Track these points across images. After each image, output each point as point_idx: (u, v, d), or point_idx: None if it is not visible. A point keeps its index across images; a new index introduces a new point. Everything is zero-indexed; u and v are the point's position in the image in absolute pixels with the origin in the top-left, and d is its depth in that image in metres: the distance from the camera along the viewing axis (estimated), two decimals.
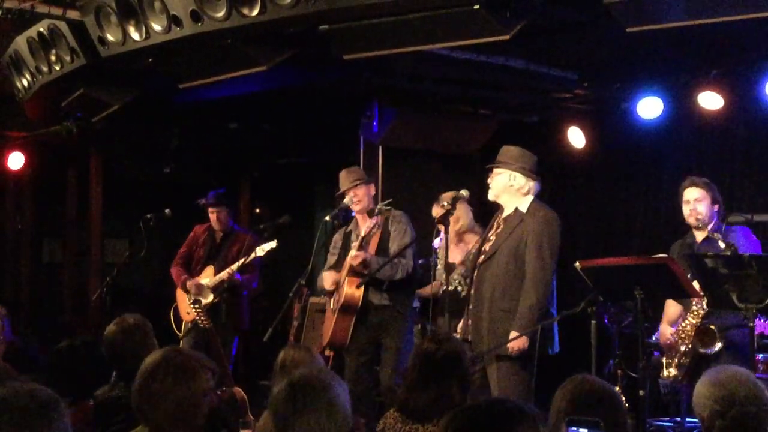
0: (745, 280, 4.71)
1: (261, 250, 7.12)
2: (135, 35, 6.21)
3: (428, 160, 8.98)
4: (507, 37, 5.33)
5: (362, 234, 6.18)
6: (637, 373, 5.21)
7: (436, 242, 7.01)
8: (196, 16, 5.81)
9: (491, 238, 5.52)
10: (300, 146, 9.85)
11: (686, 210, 5.68)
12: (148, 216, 7.52)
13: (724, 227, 5.55)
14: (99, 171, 9.68)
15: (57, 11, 6.36)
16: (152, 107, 8.17)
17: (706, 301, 5.38)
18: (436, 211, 6.61)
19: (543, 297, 5.27)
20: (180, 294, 7.56)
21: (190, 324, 7.39)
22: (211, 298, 7.33)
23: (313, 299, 7.69)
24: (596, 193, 9.02)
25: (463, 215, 6.66)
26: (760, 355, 5.71)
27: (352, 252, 6.10)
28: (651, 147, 8.29)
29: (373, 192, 6.47)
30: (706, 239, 5.58)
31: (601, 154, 8.59)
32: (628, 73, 7.56)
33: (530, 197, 5.49)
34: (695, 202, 5.63)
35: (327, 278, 6.29)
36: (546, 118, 8.77)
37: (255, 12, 5.58)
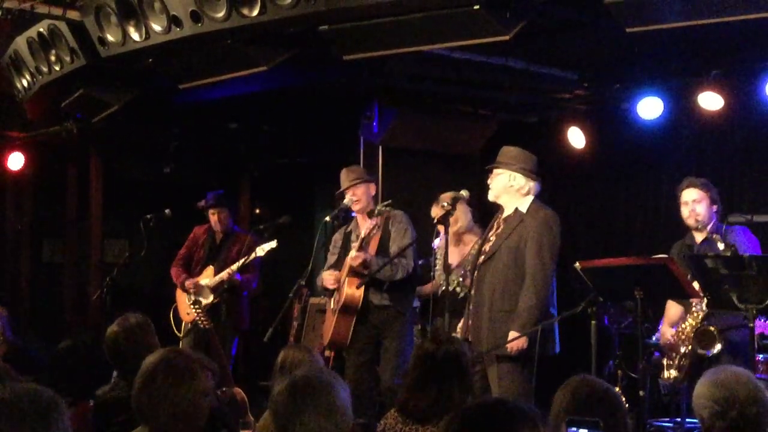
0: (745, 280, 4.71)
1: (261, 250, 7.12)
2: (135, 35, 6.21)
3: (428, 161, 8.97)
4: (507, 37, 5.33)
5: (362, 235, 6.17)
6: (637, 374, 5.21)
7: (436, 242, 7.01)
8: (196, 17, 5.81)
9: (491, 238, 5.52)
10: (300, 146, 9.85)
11: (685, 211, 5.68)
12: (148, 216, 7.52)
13: (724, 227, 5.55)
14: (99, 171, 9.68)
15: (57, 11, 6.37)
16: (152, 107, 8.18)
17: (705, 302, 5.38)
18: (435, 212, 6.61)
19: (543, 297, 5.27)
20: (180, 294, 7.56)
21: (189, 324, 7.40)
22: (211, 298, 7.34)
23: (313, 299, 7.70)
24: (596, 193, 9.02)
25: (462, 216, 6.66)
26: (761, 356, 5.71)
27: (352, 253, 6.09)
28: (651, 147, 8.29)
29: (373, 191, 6.44)
30: (705, 240, 5.58)
31: (601, 155, 8.59)
32: (628, 73, 7.56)
33: (530, 197, 5.49)
34: (694, 203, 5.63)
35: (328, 277, 6.28)
36: (546, 118, 8.77)
37: (255, 12, 5.58)
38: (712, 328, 5.33)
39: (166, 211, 7.57)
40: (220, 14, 5.70)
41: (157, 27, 6.04)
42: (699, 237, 5.65)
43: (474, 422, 2.21)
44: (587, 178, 8.98)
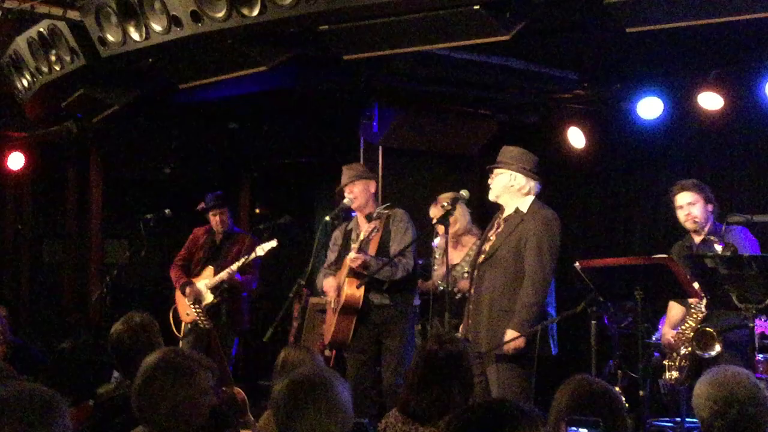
0: (745, 280, 4.71)
1: (261, 250, 7.12)
2: (135, 35, 6.21)
3: (428, 161, 8.98)
4: (507, 37, 5.33)
5: (361, 237, 6.16)
6: (637, 374, 5.21)
7: (436, 241, 7.01)
8: (196, 17, 5.81)
9: (491, 238, 5.51)
10: (300, 146, 9.85)
11: (681, 215, 5.68)
12: (148, 216, 7.52)
13: (724, 227, 5.55)
14: (99, 171, 9.68)
15: (57, 11, 6.36)
16: (152, 107, 8.17)
17: (704, 302, 5.38)
18: (434, 212, 6.60)
19: (542, 297, 5.27)
20: (179, 296, 7.55)
21: (189, 325, 7.40)
22: (210, 298, 7.34)
23: (313, 299, 7.69)
24: (596, 193, 9.02)
25: (460, 217, 6.65)
26: (760, 356, 5.71)
27: (351, 254, 6.08)
28: (651, 147, 8.29)
29: (372, 188, 6.38)
30: (704, 242, 5.58)
31: (601, 155, 8.59)
32: (628, 74, 7.57)
33: (531, 197, 5.49)
34: (689, 206, 5.63)
35: (328, 287, 6.27)
36: (546, 118, 8.77)
37: (255, 12, 5.58)
38: (710, 329, 5.33)
39: (166, 211, 7.57)
40: (220, 14, 5.70)
41: (157, 27, 6.04)
42: (698, 238, 5.65)
43: (474, 422, 2.21)
44: (587, 178, 8.98)
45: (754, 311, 4.75)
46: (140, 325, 4.25)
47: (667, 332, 5.73)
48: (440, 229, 6.49)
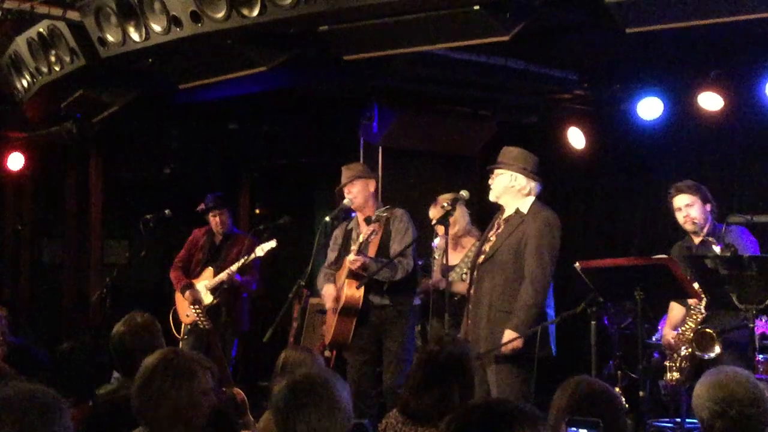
0: (745, 280, 4.71)
1: (261, 250, 7.11)
2: (135, 36, 6.21)
3: (428, 161, 8.98)
4: (507, 37, 5.33)
5: (360, 240, 6.16)
6: (637, 374, 5.20)
7: (435, 241, 7.01)
8: (195, 17, 5.81)
9: (491, 238, 5.50)
10: (300, 146, 9.85)
11: (680, 217, 5.68)
12: (148, 217, 7.51)
13: (725, 227, 5.55)
14: (99, 171, 9.68)
15: (57, 12, 6.36)
16: (152, 107, 8.17)
17: (704, 303, 5.38)
18: (433, 213, 6.59)
19: (541, 299, 5.26)
20: (179, 297, 7.56)
21: (189, 326, 7.40)
22: (210, 299, 7.33)
23: (312, 300, 7.69)
24: (596, 193, 9.03)
25: (460, 218, 6.63)
26: (761, 356, 5.71)
27: (351, 256, 6.08)
28: (651, 148, 8.29)
29: (372, 187, 6.35)
30: (703, 243, 5.58)
31: (601, 155, 8.59)
32: (628, 74, 7.57)
33: (531, 198, 5.47)
34: (687, 208, 5.63)
35: (326, 296, 6.28)
36: (546, 118, 8.77)
37: (255, 13, 5.58)
38: (709, 330, 5.33)
39: (166, 211, 7.57)
40: (220, 14, 5.70)
41: (157, 27, 6.04)
42: (697, 239, 5.65)
43: (473, 422, 2.21)
44: (587, 179, 8.98)
45: (754, 312, 4.75)
46: (142, 325, 4.24)
47: (667, 333, 5.73)
48: (440, 229, 6.49)
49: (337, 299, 6.20)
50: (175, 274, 7.58)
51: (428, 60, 6.72)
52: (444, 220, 5.65)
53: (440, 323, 6.15)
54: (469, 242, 6.64)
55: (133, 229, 7.94)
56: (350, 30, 5.70)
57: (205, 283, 7.43)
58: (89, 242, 9.70)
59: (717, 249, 5.21)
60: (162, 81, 7.10)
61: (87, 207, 9.72)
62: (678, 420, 6.50)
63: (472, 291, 5.50)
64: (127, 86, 7.45)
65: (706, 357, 5.27)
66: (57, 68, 7.06)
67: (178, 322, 7.55)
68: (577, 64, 7.49)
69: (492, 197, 5.58)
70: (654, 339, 6.35)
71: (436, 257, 6.88)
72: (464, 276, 6.47)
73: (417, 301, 6.67)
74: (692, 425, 6.01)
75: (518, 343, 5.14)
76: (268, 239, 7.11)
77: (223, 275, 7.29)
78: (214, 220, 7.60)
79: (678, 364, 5.58)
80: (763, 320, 5.49)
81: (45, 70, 7.23)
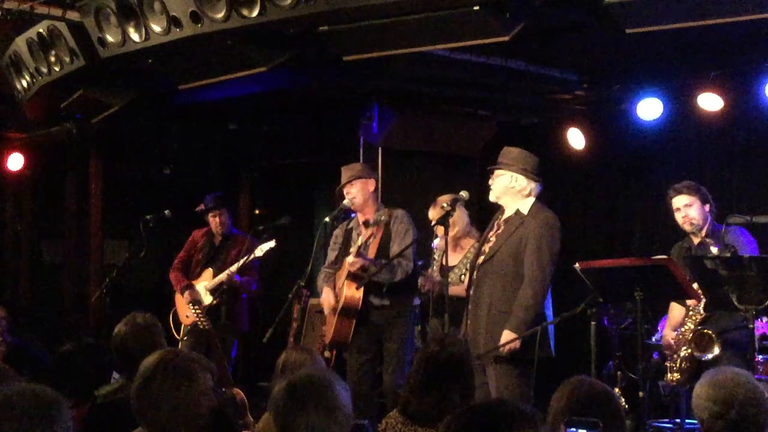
0: (745, 281, 4.71)
1: (260, 251, 7.11)
2: (134, 36, 6.21)
3: (428, 162, 8.97)
4: (506, 38, 5.33)
5: (359, 242, 6.16)
6: (637, 375, 5.20)
7: (435, 242, 7.01)
8: (195, 17, 5.81)
9: (491, 239, 5.50)
10: (300, 147, 9.85)
11: (679, 218, 5.68)
12: (148, 217, 7.51)
13: (724, 228, 5.55)
14: (99, 171, 9.68)
15: (57, 12, 6.37)
16: (152, 107, 8.18)
17: (703, 304, 5.38)
18: (433, 214, 6.59)
19: (540, 299, 5.25)
20: (179, 298, 7.56)
21: (189, 327, 7.39)
22: (210, 300, 7.34)
23: (312, 300, 7.69)
24: (596, 194, 9.03)
25: (459, 220, 6.62)
26: (760, 357, 5.71)
27: (350, 258, 6.08)
28: (651, 148, 8.30)
29: (372, 187, 6.34)
30: (701, 243, 5.58)
31: (601, 156, 8.60)
32: (628, 75, 7.57)
33: (532, 199, 5.47)
34: (685, 209, 5.62)
35: (324, 303, 6.28)
36: (546, 119, 8.78)
37: (255, 13, 5.58)
38: (708, 331, 5.33)
39: (166, 211, 7.56)
40: (220, 15, 5.70)
41: (156, 28, 6.04)
42: (696, 240, 5.65)
43: (473, 422, 2.21)
44: (587, 179, 8.99)
45: (753, 312, 4.76)
46: (143, 325, 4.24)
47: (668, 334, 5.73)
48: (439, 230, 6.48)
49: (336, 300, 6.20)
50: (175, 275, 7.58)
51: (428, 60, 6.72)
52: (443, 220, 5.64)
53: (440, 323, 6.15)
54: (468, 243, 6.64)
55: (133, 229, 7.93)
56: (350, 30, 5.70)
57: (204, 284, 7.43)
58: (89, 242, 9.70)
59: (714, 250, 5.21)
60: (162, 81, 7.11)
61: (87, 207, 9.71)
62: (678, 420, 6.51)
63: (471, 292, 5.50)
64: (126, 86, 7.45)
65: (705, 358, 5.27)
66: (57, 68, 7.06)
67: (177, 323, 7.56)
68: (576, 64, 7.48)
69: (492, 198, 5.57)
70: (654, 339, 6.36)
71: (436, 258, 6.88)
72: (463, 277, 6.47)
73: (417, 302, 6.67)
74: (692, 426, 6.02)
75: (516, 344, 5.14)
76: (267, 239, 7.11)
77: (222, 276, 7.30)
78: (214, 221, 7.60)
79: (678, 365, 5.57)
80: (763, 321, 5.50)
81: (45, 70, 7.23)
